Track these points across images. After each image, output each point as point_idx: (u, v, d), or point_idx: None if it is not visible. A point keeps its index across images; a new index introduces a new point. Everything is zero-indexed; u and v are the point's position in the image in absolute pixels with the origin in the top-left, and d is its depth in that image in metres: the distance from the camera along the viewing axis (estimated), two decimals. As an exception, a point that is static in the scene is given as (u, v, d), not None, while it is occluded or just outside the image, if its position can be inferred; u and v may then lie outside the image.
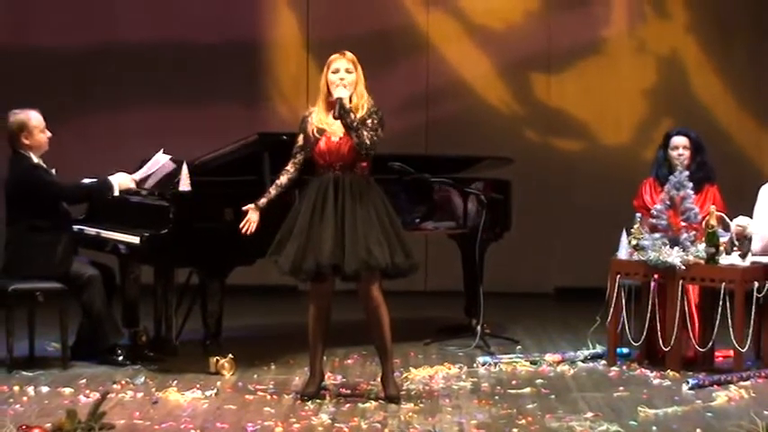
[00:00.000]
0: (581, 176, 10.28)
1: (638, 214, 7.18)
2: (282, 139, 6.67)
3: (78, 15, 10.22)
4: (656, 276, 6.91)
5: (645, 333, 6.98)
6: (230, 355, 6.75)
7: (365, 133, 5.97)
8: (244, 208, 6.20)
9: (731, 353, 6.84)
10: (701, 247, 6.81)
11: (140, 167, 7.13)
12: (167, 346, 7.27)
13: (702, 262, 6.80)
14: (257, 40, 10.43)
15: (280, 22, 10.47)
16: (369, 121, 6.01)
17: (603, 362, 7.16)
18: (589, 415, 5.83)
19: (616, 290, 7.04)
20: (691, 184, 6.97)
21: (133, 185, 7.04)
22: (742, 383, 6.55)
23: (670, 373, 6.81)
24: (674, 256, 6.80)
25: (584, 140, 10.42)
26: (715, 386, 6.48)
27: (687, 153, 7.28)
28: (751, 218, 7.00)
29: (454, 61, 10.43)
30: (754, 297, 6.74)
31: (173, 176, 7.00)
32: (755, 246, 6.92)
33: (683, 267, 6.79)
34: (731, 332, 6.64)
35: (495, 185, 8.04)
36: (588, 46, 10.39)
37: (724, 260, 6.80)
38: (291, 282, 6.46)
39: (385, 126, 6.09)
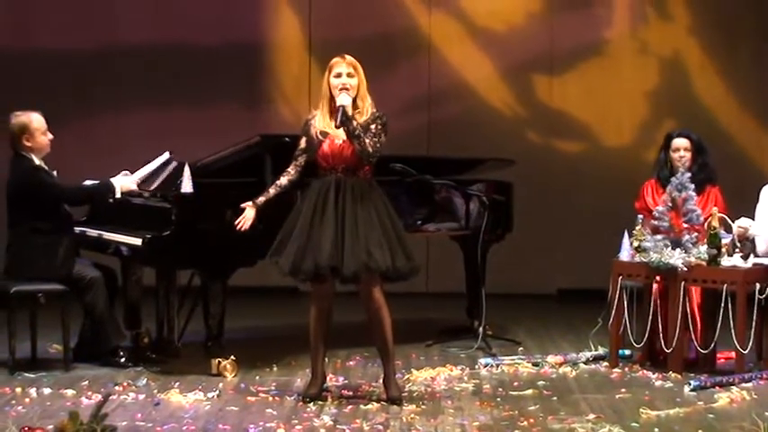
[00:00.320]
0: (583, 178, 10.27)
1: (640, 216, 7.18)
2: (284, 140, 6.67)
3: (79, 17, 10.23)
4: (657, 278, 6.91)
5: (646, 335, 6.98)
6: (232, 357, 6.75)
7: (367, 141, 5.95)
8: (241, 206, 6.21)
9: (733, 354, 6.83)
10: (703, 248, 6.80)
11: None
12: (169, 348, 7.26)
13: (704, 263, 6.79)
14: (259, 41, 10.43)
15: (282, 24, 10.48)
16: (372, 127, 6.00)
17: (605, 363, 7.16)
18: (591, 416, 5.82)
19: (618, 291, 7.03)
20: (692, 186, 6.96)
21: (135, 187, 7.03)
22: (744, 385, 6.54)
23: (672, 374, 6.80)
24: (676, 258, 6.80)
25: (586, 142, 10.42)
26: (717, 388, 6.46)
27: (688, 155, 7.26)
28: (753, 219, 7.00)
29: (456, 63, 10.43)
30: (756, 299, 6.74)
31: (175, 178, 7.00)
32: (761, 247, 6.92)
33: (685, 269, 6.78)
34: (733, 334, 6.63)
35: (497, 187, 8.04)
36: (590, 48, 10.40)
37: (726, 262, 6.79)
38: (293, 283, 6.46)
39: (389, 131, 6.08)
